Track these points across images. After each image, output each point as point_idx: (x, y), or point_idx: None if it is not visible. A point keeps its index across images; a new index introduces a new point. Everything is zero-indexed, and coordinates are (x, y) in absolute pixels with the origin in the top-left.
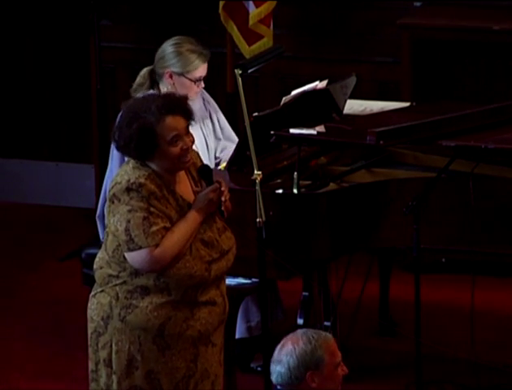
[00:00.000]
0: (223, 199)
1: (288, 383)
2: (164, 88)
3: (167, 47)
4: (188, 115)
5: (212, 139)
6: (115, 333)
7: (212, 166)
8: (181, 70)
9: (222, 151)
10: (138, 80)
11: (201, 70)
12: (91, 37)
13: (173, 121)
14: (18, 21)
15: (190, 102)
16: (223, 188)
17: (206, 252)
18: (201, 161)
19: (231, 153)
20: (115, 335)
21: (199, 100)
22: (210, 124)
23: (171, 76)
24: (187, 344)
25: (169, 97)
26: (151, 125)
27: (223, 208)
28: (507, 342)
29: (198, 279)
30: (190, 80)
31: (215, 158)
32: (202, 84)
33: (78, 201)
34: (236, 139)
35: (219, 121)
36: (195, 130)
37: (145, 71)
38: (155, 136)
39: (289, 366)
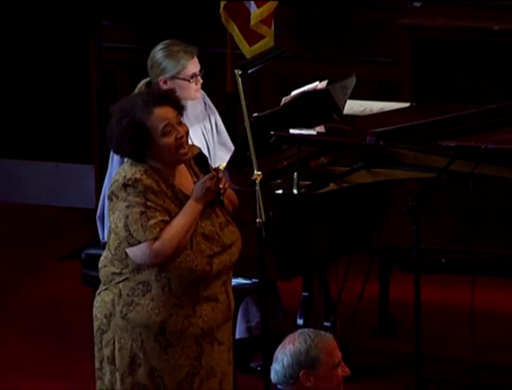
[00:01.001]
0: (221, 186)
1: (283, 381)
2: None
3: (154, 55)
4: (177, 105)
5: (212, 140)
6: (118, 330)
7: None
8: (172, 73)
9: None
10: (136, 92)
11: (192, 67)
12: (91, 37)
13: (161, 112)
14: (18, 21)
15: (191, 103)
16: (220, 175)
17: (207, 246)
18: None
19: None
20: (118, 333)
21: (201, 103)
22: (209, 127)
23: (165, 82)
24: (189, 341)
25: (153, 90)
26: (140, 120)
27: (222, 197)
28: (507, 342)
29: (199, 274)
30: (184, 79)
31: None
32: (200, 80)
33: (78, 201)
34: (231, 145)
35: (216, 125)
36: (196, 131)
37: (142, 83)
38: (146, 129)
39: (283, 364)
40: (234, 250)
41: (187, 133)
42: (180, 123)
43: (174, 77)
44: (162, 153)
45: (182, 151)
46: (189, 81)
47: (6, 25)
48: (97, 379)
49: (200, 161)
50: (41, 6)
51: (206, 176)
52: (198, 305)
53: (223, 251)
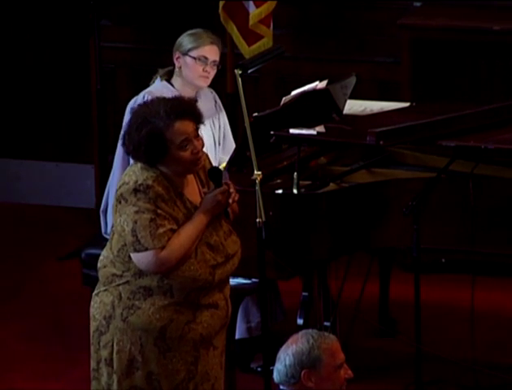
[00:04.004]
0: (230, 201)
1: (285, 380)
2: (175, 76)
3: (181, 36)
4: (197, 119)
5: (218, 139)
6: (117, 333)
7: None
8: (186, 48)
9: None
10: (158, 72)
11: (208, 50)
12: (91, 37)
13: (182, 126)
14: (18, 21)
15: (203, 98)
16: (231, 190)
17: (211, 256)
18: (211, 163)
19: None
20: (117, 335)
21: (211, 101)
22: (218, 125)
23: (178, 59)
24: (188, 347)
25: (177, 100)
26: (160, 130)
27: (228, 209)
28: (507, 342)
29: (202, 283)
30: (194, 58)
31: None
32: (210, 71)
33: (78, 201)
34: None
35: (225, 128)
36: (204, 127)
37: (165, 70)
38: (165, 141)
39: (285, 364)
40: (235, 260)
41: (202, 147)
42: (197, 137)
43: (186, 52)
44: (175, 164)
45: (196, 163)
46: (198, 62)
47: (6, 25)
48: (93, 379)
49: (214, 174)
50: (41, 6)
51: (218, 190)
52: (199, 312)
53: (226, 262)
